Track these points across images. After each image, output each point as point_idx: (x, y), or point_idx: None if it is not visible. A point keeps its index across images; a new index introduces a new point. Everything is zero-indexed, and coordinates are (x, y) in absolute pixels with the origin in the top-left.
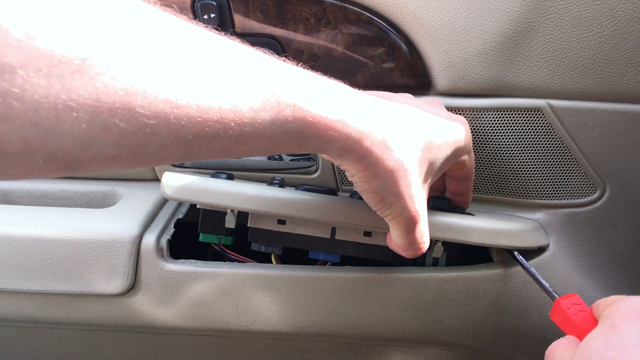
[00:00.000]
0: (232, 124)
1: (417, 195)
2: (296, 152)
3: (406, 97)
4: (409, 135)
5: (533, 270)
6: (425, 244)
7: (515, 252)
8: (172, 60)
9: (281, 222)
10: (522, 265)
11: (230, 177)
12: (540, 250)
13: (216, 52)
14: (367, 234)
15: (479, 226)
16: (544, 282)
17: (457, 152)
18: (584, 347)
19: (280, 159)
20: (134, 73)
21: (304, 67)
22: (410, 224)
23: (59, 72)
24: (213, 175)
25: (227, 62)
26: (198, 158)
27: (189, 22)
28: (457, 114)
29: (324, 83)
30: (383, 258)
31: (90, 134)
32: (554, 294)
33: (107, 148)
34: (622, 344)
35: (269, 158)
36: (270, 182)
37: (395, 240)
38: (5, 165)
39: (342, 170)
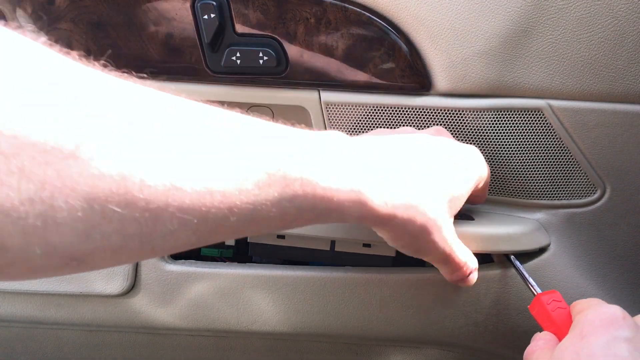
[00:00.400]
0: (239, 204)
1: (448, 235)
2: (315, 224)
3: (411, 138)
4: (431, 191)
5: (519, 264)
6: (465, 267)
7: (512, 256)
8: (167, 142)
9: (280, 236)
10: (509, 261)
11: None
12: (541, 250)
13: (213, 129)
14: (367, 244)
15: (478, 233)
16: (527, 276)
17: (476, 184)
18: (555, 356)
19: None
20: (128, 158)
21: (305, 128)
22: (446, 259)
23: (52, 160)
24: None
25: (225, 140)
26: (211, 242)
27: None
28: (457, 114)
29: (333, 147)
30: (384, 264)
31: (89, 223)
32: (536, 289)
33: (109, 238)
34: (591, 355)
35: None
36: None
37: (439, 269)
38: (7, 262)
39: None
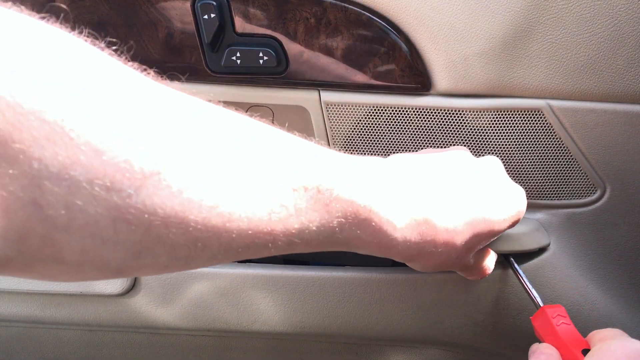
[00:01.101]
0: (281, 236)
1: (477, 255)
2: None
3: (465, 168)
4: (475, 224)
5: (522, 273)
6: (486, 269)
7: (516, 266)
8: (226, 172)
9: None
10: (512, 269)
11: None
12: (541, 250)
13: (271, 162)
14: None
15: None
16: (530, 287)
17: (515, 221)
18: None
19: None
20: (191, 188)
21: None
22: (470, 268)
23: (121, 187)
24: None
25: (280, 172)
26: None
27: (226, 113)
28: (457, 114)
29: (393, 176)
30: (384, 263)
31: (145, 245)
32: (539, 302)
33: (159, 258)
34: None
35: None
36: None
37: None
38: (61, 272)
39: None
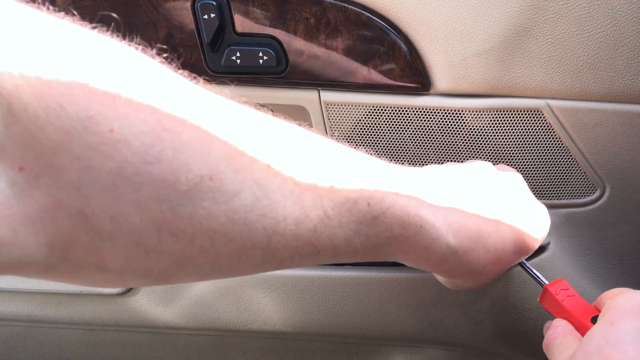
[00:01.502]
0: (327, 249)
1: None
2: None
3: (495, 190)
4: (510, 242)
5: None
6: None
7: None
8: (272, 186)
9: None
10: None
11: None
12: (541, 249)
13: (311, 169)
14: None
15: None
16: (531, 268)
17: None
18: (585, 342)
19: None
20: (236, 201)
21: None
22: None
23: (167, 198)
24: None
25: (332, 185)
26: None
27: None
28: (457, 114)
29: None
30: (384, 263)
31: (188, 254)
32: (543, 280)
33: (202, 267)
34: (620, 340)
35: None
36: None
37: None
38: (104, 279)
39: None
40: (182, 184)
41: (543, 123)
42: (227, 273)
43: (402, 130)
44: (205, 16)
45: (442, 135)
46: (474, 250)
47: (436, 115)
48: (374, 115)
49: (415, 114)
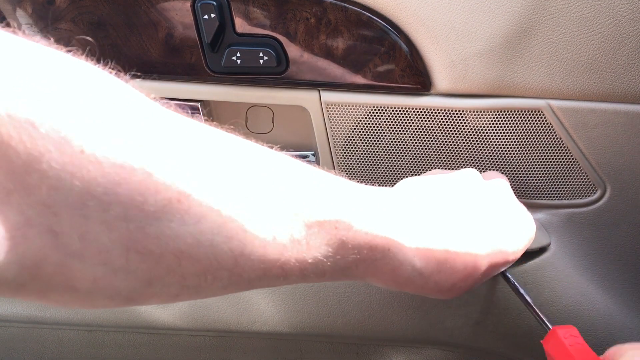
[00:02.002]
0: (294, 271)
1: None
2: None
3: (475, 197)
4: (491, 251)
5: (527, 297)
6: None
7: (509, 276)
8: (238, 207)
9: None
10: (514, 289)
11: None
12: (541, 250)
13: (277, 191)
14: None
15: None
16: (538, 311)
17: (526, 245)
18: None
19: None
20: (203, 222)
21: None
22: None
23: (136, 218)
24: None
25: (292, 202)
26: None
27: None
28: (457, 114)
29: (393, 213)
30: None
31: (155, 274)
32: (548, 323)
33: (169, 287)
34: None
35: None
36: None
37: None
38: (73, 299)
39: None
40: (150, 204)
41: (544, 123)
42: (196, 294)
43: (403, 130)
44: (206, 16)
45: (443, 135)
46: (441, 272)
47: (437, 115)
48: (375, 115)
49: (415, 114)
